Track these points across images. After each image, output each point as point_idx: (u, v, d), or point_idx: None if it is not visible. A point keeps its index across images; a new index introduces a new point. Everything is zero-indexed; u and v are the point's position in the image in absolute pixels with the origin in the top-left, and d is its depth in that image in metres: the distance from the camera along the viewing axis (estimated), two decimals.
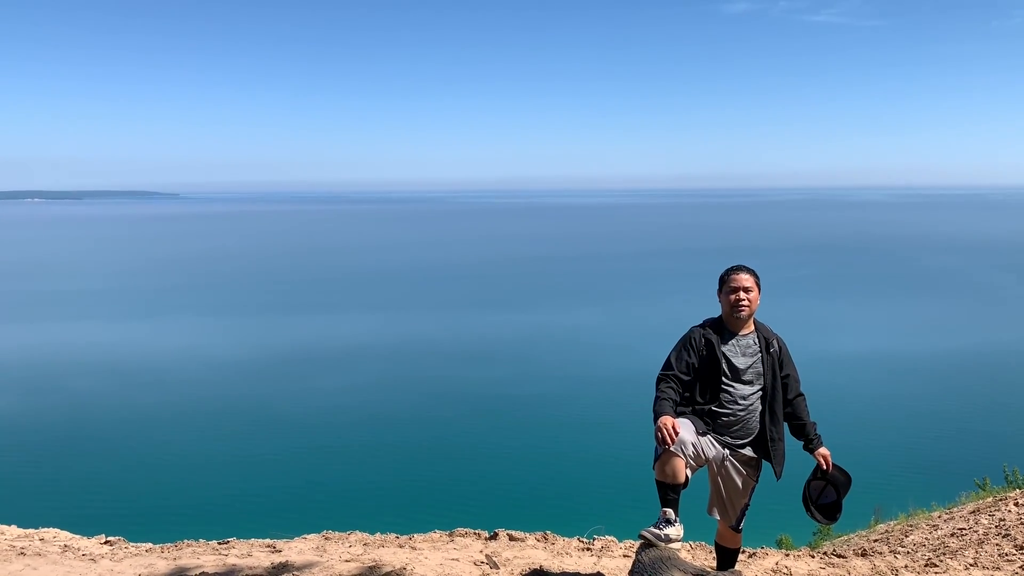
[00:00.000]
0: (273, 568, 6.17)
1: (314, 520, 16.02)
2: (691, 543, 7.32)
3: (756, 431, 5.01)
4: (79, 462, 29.65)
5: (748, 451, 5.02)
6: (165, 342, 52.05)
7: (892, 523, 10.87)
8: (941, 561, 6.69)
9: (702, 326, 5.07)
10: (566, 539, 7.16)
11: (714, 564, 5.86)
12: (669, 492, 4.74)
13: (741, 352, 4.98)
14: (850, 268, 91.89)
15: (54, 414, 35.56)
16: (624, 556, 6.61)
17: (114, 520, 21.10)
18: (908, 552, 7.67)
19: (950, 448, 30.29)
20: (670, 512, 4.78)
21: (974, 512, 8.78)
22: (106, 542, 7.64)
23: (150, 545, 7.41)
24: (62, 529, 8.28)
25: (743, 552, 6.56)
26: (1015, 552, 6.84)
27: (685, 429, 4.73)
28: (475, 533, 7.29)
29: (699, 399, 4.96)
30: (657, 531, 4.78)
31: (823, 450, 5.16)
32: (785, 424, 5.13)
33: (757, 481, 5.11)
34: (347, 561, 6.33)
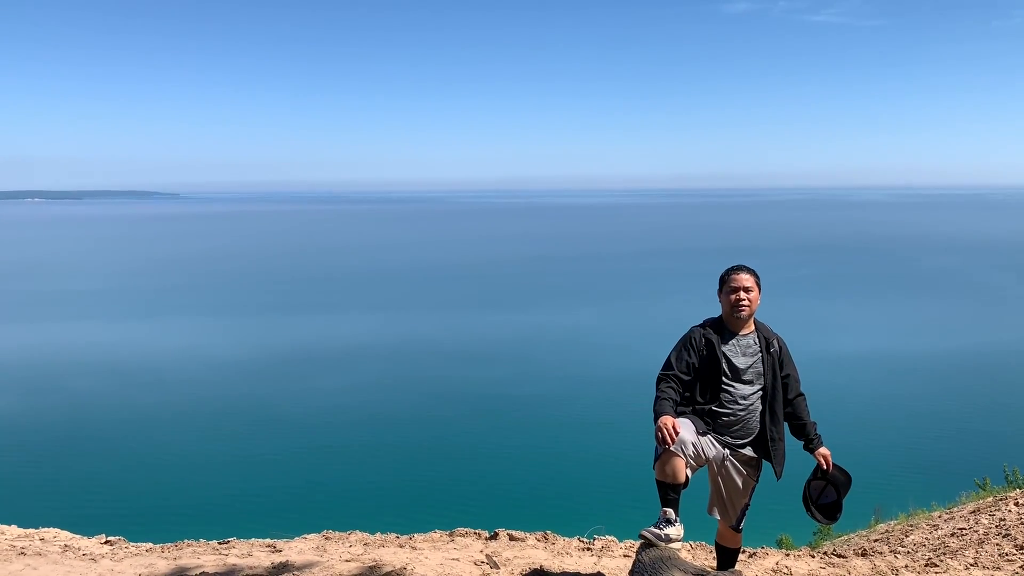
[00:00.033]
0: (273, 568, 6.17)
1: (314, 520, 16.03)
2: (691, 543, 7.32)
3: (756, 431, 5.01)
4: (79, 462, 29.65)
5: (748, 451, 5.03)
6: (165, 342, 52.04)
7: (892, 523, 10.87)
8: (941, 561, 6.69)
9: (702, 326, 5.07)
10: (566, 539, 7.16)
11: (714, 564, 5.87)
12: (669, 492, 4.75)
13: (741, 352, 4.98)
14: (850, 268, 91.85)
15: (54, 414, 35.55)
16: (624, 556, 6.61)
17: (114, 520, 21.10)
18: (908, 552, 7.67)
19: (950, 448, 30.29)
20: (670, 512, 4.78)
21: (974, 512, 8.78)
22: (106, 542, 7.64)
23: (150, 545, 7.41)
24: (62, 529, 8.29)
25: (743, 552, 6.56)
26: (1015, 552, 6.84)
27: (685, 429, 4.73)
28: (475, 533, 7.29)
29: (699, 399, 4.96)
30: (657, 531, 4.78)
31: (823, 450, 5.16)
32: (785, 424, 5.13)
33: (757, 481, 5.12)
34: (347, 561, 6.33)
